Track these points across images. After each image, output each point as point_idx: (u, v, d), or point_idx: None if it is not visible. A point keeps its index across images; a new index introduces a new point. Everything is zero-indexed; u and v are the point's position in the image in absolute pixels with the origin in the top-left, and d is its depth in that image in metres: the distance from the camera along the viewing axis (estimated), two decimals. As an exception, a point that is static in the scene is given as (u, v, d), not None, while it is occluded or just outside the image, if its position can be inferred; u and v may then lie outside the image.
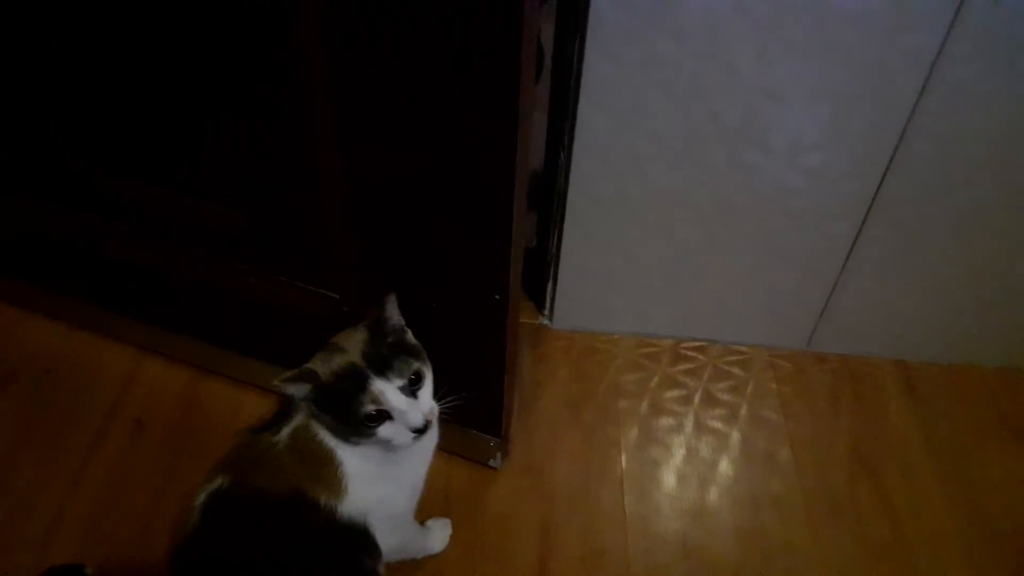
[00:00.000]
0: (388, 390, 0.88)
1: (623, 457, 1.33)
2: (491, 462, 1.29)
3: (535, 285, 1.51)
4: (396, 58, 0.84)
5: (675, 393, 1.43)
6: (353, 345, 0.90)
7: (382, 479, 0.98)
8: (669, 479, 1.31)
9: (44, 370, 1.36)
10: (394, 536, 1.03)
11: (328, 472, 0.93)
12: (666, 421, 1.39)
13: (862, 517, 1.28)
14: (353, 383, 0.88)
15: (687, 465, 1.33)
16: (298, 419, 0.94)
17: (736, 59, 1.10)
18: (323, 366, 0.89)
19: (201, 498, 0.94)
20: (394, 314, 0.95)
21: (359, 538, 0.97)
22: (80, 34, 1.00)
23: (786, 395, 1.44)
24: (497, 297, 1.04)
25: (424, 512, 1.15)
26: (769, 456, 1.35)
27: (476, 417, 1.23)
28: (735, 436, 1.38)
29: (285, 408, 0.97)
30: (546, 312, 1.53)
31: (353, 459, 0.94)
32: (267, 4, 0.85)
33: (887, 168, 1.22)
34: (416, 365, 0.90)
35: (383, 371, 0.88)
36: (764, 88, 1.12)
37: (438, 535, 1.19)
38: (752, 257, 1.35)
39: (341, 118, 0.91)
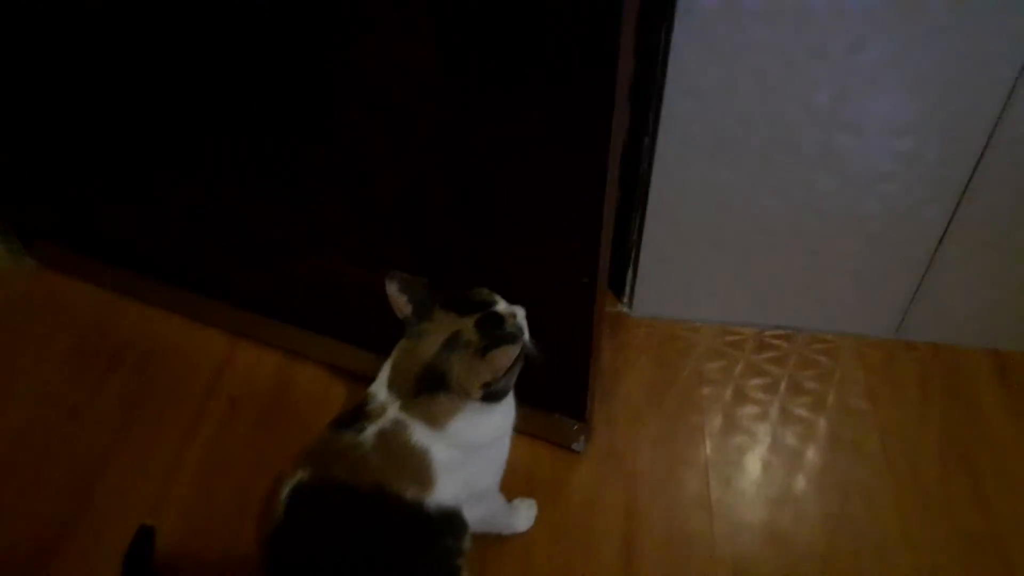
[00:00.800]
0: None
1: (707, 444, 1.32)
2: (574, 446, 1.30)
3: (614, 272, 1.52)
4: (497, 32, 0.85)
5: (760, 381, 1.41)
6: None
7: (472, 462, 1.00)
8: (755, 466, 1.30)
9: (145, 353, 1.43)
10: (480, 507, 1.05)
11: (417, 468, 0.95)
12: (751, 409, 1.38)
13: (954, 507, 1.25)
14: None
15: (773, 453, 1.32)
16: (384, 421, 0.96)
17: (828, 43, 1.08)
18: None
19: (286, 491, 0.97)
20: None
21: (445, 522, 0.99)
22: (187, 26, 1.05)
23: (874, 384, 1.41)
24: (585, 280, 1.05)
25: (509, 494, 1.17)
26: (857, 445, 1.33)
27: (559, 400, 1.25)
28: (822, 424, 1.36)
29: (362, 406, 0.98)
30: (625, 300, 1.53)
31: (444, 452, 0.96)
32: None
33: (983, 152, 1.18)
34: None
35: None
36: (856, 71, 1.11)
37: (524, 514, 1.20)
38: (841, 243, 1.33)
39: (443, 106, 0.93)
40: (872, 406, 1.38)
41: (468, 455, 0.98)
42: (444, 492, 0.97)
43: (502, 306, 0.98)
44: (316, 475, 0.96)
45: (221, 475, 1.27)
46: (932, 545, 1.20)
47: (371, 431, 0.95)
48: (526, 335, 0.98)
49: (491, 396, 0.94)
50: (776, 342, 1.47)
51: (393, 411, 0.96)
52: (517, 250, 1.07)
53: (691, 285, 1.46)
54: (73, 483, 1.24)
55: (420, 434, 0.95)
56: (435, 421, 0.95)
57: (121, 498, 1.23)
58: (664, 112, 1.20)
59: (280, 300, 1.36)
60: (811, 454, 1.32)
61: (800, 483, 1.28)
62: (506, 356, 0.92)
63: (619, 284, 1.52)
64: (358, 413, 0.98)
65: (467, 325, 0.94)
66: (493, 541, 1.17)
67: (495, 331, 0.94)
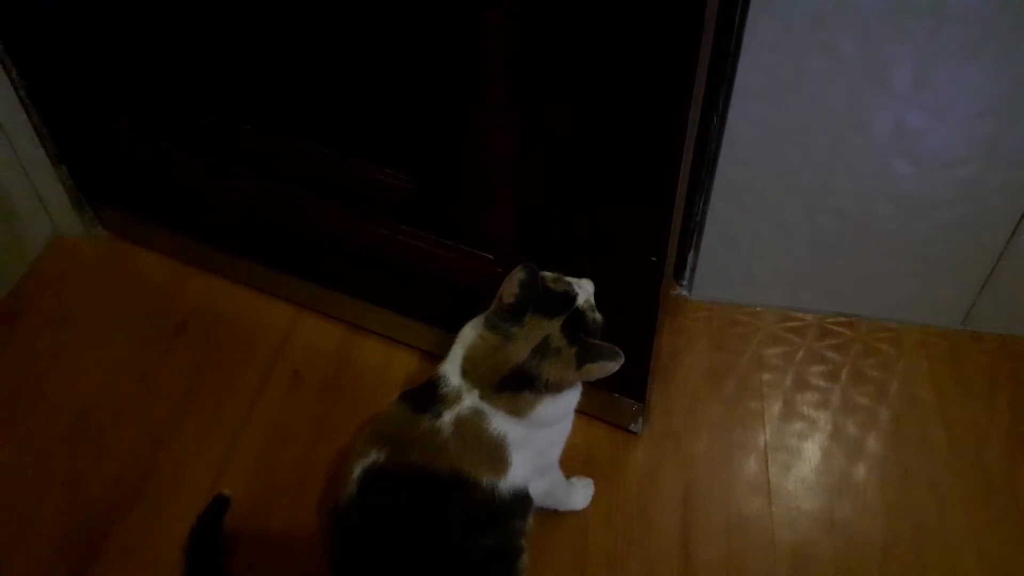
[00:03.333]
0: None
1: (767, 429, 1.31)
2: (632, 426, 1.30)
3: (675, 256, 1.50)
4: (574, 19, 0.85)
5: (821, 368, 1.39)
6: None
7: (543, 437, 1.01)
8: (814, 453, 1.29)
9: (211, 322, 1.46)
10: (543, 480, 1.06)
11: (494, 455, 0.97)
12: (811, 396, 1.36)
13: (1020, 501, 1.22)
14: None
15: (833, 441, 1.30)
16: (461, 408, 0.96)
17: (908, 21, 1.06)
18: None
19: (358, 471, 0.98)
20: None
21: (515, 503, 1.00)
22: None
23: (939, 374, 1.38)
24: (653, 259, 1.04)
25: (567, 473, 1.17)
26: (921, 435, 1.31)
27: (619, 380, 1.24)
28: (884, 414, 1.34)
29: (435, 388, 0.98)
30: (684, 282, 1.52)
31: (520, 433, 0.97)
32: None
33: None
34: None
35: None
36: (936, 49, 1.08)
37: (581, 493, 1.21)
38: (910, 230, 1.30)
39: (515, 83, 0.93)
40: (937, 397, 1.36)
41: (541, 431, 0.99)
42: (516, 473, 0.98)
43: (580, 297, 0.97)
44: (392, 458, 0.97)
45: (283, 445, 1.29)
46: (998, 539, 1.18)
47: (448, 417, 0.96)
48: (596, 314, 0.98)
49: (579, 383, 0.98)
50: (838, 329, 1.45)
51: (471, 400, 0.96)
52: (587, 225, 1.06)
53: (753, 269, 1.44)
54: (141, 448, 1.28)
55: (499, 422, 0.96)
56: (519, 412, 0.95)
57: (186, 464, 1.26)
58: (736, 90, 1.18)
59: (343, 272, 1.38)
60: (872, 443, 1.30)
61: (861, 472, 1.26)
62: (603, 371, 0.93)
63: (680, 266, 1.50)
64: (432, 396, 0.98)
65: (554, 330, 0.94)
66: (551, 521, 1.18)
67: (583, 336, 0.94)
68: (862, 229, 1.32)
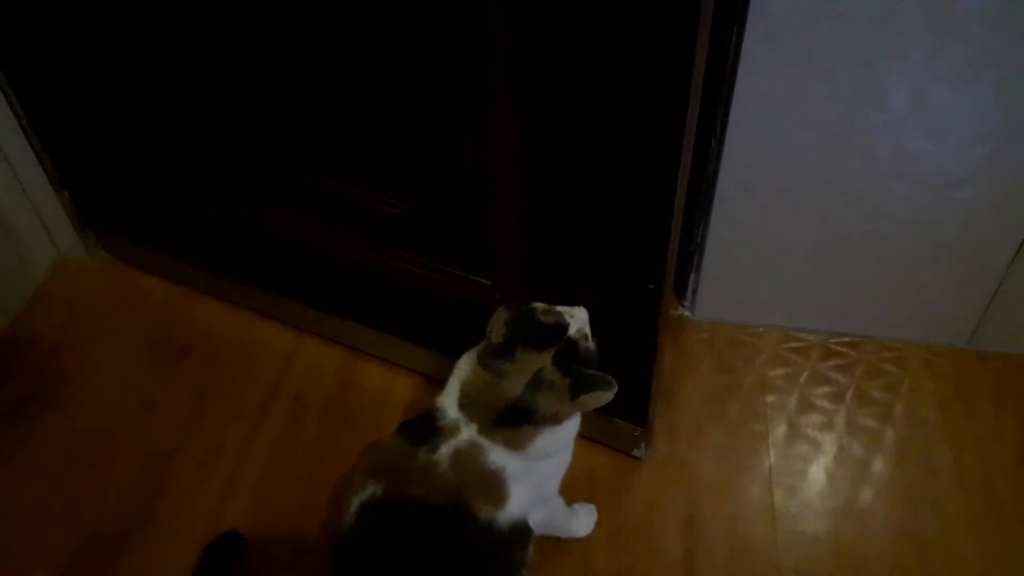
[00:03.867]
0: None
1: (771, 452, 1.30)
2: (635, 452, 1.29)
3: (676, 276, 1.50)
4: (573, 39, 0.85)
5: (825, 389, 1.39)
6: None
7: (541, 468, 1.00)
8: (819, 477, 1.28)
9: (214, 347, 1.46)
10: (543, 510, 1.06)
11: (492, 487, 0.96)
12: (816, 418, 1.35)
13: (1030, 526, 1.21)
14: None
15: (838, 464, 1.29)
16: (458, 441, 0.96)
17: (906, 42, 1.05)
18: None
19: (355, 504, 0.98)
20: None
21: (514, 535, 0.99)
22: (261, 31, 1.07)
23: (945, 394, 1.37)
24: (651, 286, 1.04)
25: (569, 499, 1.16)
26: (927, 457, 1.29)
27: (621, 405, 1.23)
28: (890, 435, 1.32)
29: (432, 420, 0.98)
30: (687, 303, 1.51)
31: (518, 466, 0.96)
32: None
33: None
34: None
35: None
36: (934, 73, 1.07)
37: (583, 519, 1.20)
38: (912, 250, 1.30)
39: (513, 105, 0.94)
40: (943, 417, 1.35)
41: (539, 463, 0.99)
42: (515, 504, 0.98)
43: (572, 327, 0.96)
44: (390, 490, 0.96)
45: (286, 469, 1.29)
46: (1007, 564, 1.17)
47: (446, 450, 0.96)
48: (590, 342, 0.97)
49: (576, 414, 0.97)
50: (842, 350, 1.44)
51: (469, 433, 0.96)
52: (585, 251, 1.06)
53: (755, 289, 1.43)
54: (145, 475, 1.28)
55: (498, 455, 0.96)
56: (518, 446, 0.95)
57: (190, 490, 1.26)
58: (732, 112, 1.18)
59: (343, 297, 1.38)
60: (878, 466, 1.29)
61: (867, 495, 1.25)
62: (597, 401, 0.92)
63: (681, 287, 1.50)
64: (430, 428, 0.98)
65: (547, 362, 0.93)
66: (553, 548, 1.17)
67: (576, 367, 0.93)
68: (864, 249, 1.31)
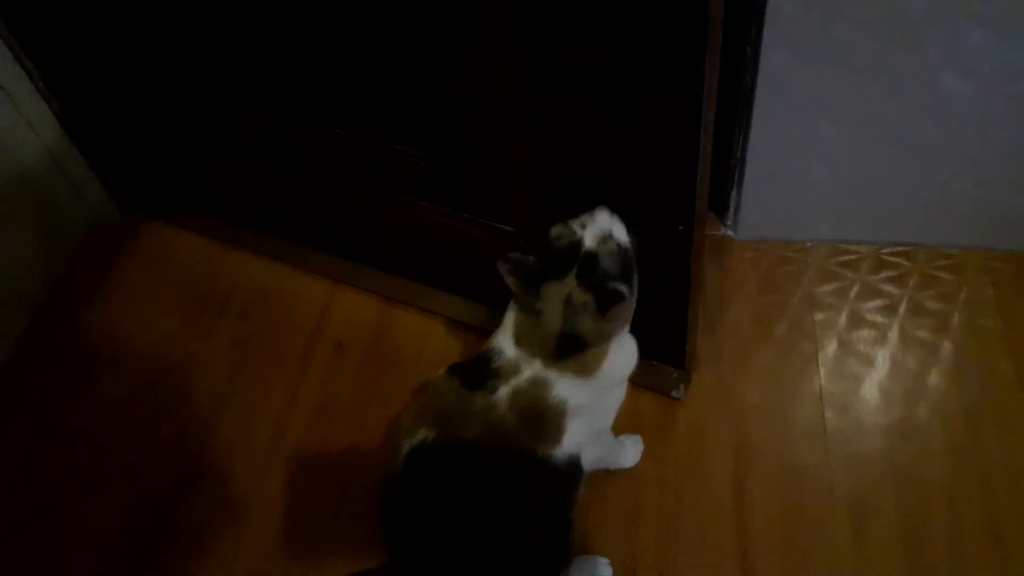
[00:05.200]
0: None
1: (821, 372, 1.26)
2: (673, 393, 1.26)
3: (716, 193, 1.44)
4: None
5: (877, 303, 1.33)
6: None
7: (602, 401, 1.00)
8: (872, 394, 1.24)
9: (251, 299, 1.46)
10: (596, 448, 1.05)
11: (552, 422, 0.95)
12: (867, 333, 1.30)
13: (1100, 433, 1.16)
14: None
15: (892, 380, 1.25)
16: (519, 380, 0.95)
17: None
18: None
19: (406, 449, 0.97)
20: None
21: (568, 472, 0.99)
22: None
23: (1005, 301, 1.31)
24: (680, 228, 0.99)
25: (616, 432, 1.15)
26: (987, 368, 1.24)
27: (659, 349, 1.20)
28: (946, 347, 1.27)
29: (488, 362, 0.97)
30: (729, 222, 1.45)
31: (582, 398, 0.95)
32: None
33: None
34: None
35: None
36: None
37: (631, 449, 1.19)
38: (966, 150, 1.21)
39: (521, 45, 0.88)
40: (1003, 325, 1.28)
41: (601, 395, 0.98)
42: (571, 440, 0.97)
43: (587, 238, 0.91)
44: (443, 435, 0.96)
45: (333, 413, 1.30)
46: (1073, 476, 1.13)
47: (504, 391, 0.95)
48: (621, 237, 0.93)
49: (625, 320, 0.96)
50: (894, 260, 1.38)
51: (532, 369, 0.95)
52: (607, 193, 1.01)
53: (800, 203, 1.37)
54: (195, 427, 1.31)
55: (563, 387, 0.94)
56: (588, 370, 0.94)
57: (240, 441, 1.29)
58: (768, 18, 1.10)
59: (373, 249, 1.37)
60: (935, 380, 1.24)
61: (923, 412, 1.21)
62: (624, 309, 0.91)
63: (722, 205, 1.44)
64: (486, 371, 0.96)
65: (572, 285, 0.90)
66: (601, 481, 1.16)
67: (598, 281, 0.90)
68: (913, 154, 1.23)
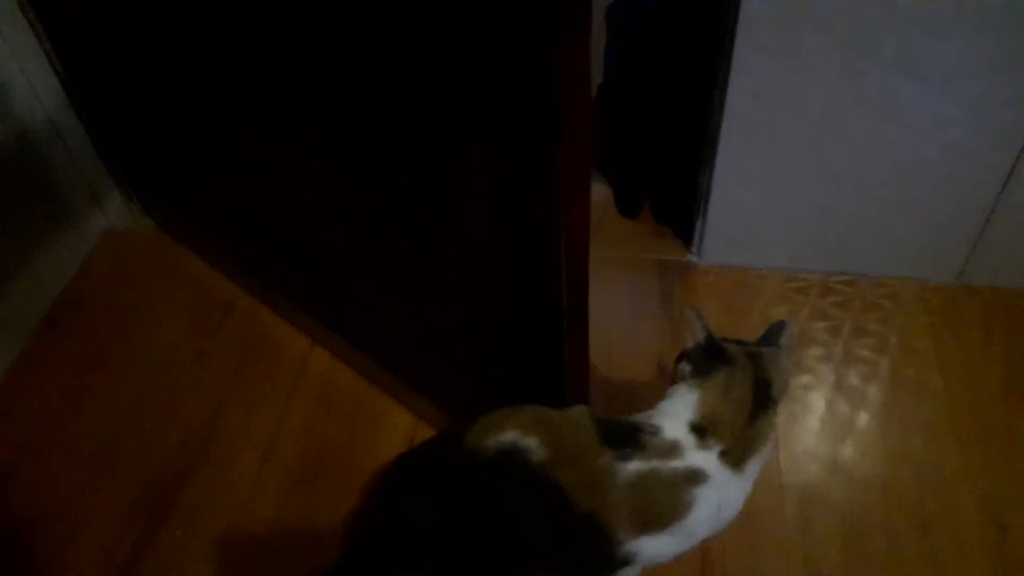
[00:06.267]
0: None
1: (774, 382, 1.41)
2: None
3: (684, 223, 1.60)
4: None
5: (824, 324, 1.49)
6: None
7: (694, 534, 0.92)
8: (819, 404, 1.38)
9: (254, 304, 1.57)
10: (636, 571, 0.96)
11: (651, 519, 0.88)
12: (816, 350, 1.45)
13: (1016, 442, 1.31)
14: None
15: (837, 391, 1.40)
16: (664, 465, 0.89)
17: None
18: None
19: (497, 441, 0.89)
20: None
21: (613, 564, 0.91)
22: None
23: (937, 326, 1.47)
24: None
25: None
26: (919, 383, 1.40)
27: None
28: (884, 364, 1.43)
29: (637, 432, 0.91)
30: (694, 249, 1.61)
31: (710, 509, 0.90)
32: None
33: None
34: None
35: None
36: (920, 19, 1.16)
37: None
38: (905, 190, 1.39)
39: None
40: (934, 346, 1.45)
41: (713, 526, 0.93)
42: (655, 546, 0.90)
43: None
44: (544, 461, 0.87)
45: (330, 408, 1.41)
46: (993, 478, 1.27)
47: (637, 467, 0.88)
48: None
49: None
50: (840, 287, 1.54)
51: (698, 458, 0.90)
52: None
53: (758, 233, 1.53)
54: (201, 417, 1.40)
55: (701, 489, 0.89)
56: (765, 439, 0.94)
57: (243, 430, 1.38)
58: (734, 65, 1.27)
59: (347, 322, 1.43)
60: (874, 392, 1.39)
61: (863, 419, 1.36)
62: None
63: (688, 234, 1.60)
64: (630, 438, 0.90)
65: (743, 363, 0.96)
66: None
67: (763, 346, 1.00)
68: (858, 192, 1.41)
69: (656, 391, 1.01)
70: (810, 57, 1.22)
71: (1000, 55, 1.18)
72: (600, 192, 1.73)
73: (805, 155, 1.36)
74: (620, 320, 1.53)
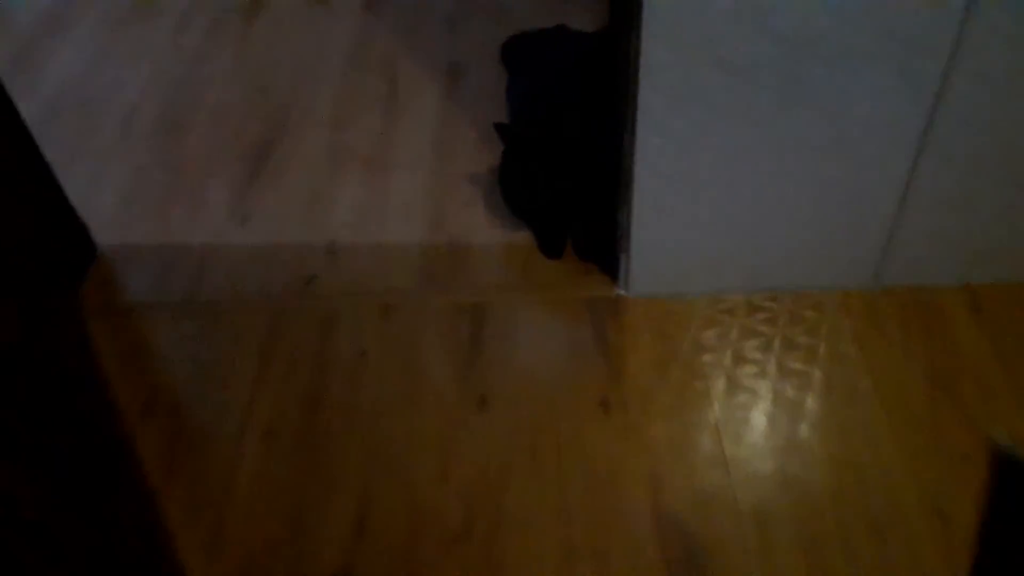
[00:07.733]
0: None
1: (715, 406, 1.44)
2: (595, 425, 1.40)
3: (610, 260, 1.63)
4: None
5: (755, 342, 1.53)
6: None
7: None
8: (760, 421, 1.42)
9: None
10: None
11: None
12: (750, 369, 1.49)
13: (944, 432, 1.37)
14: None
15: (776, 406, 1.44)
16: None
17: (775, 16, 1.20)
18: None
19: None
20: None
21: None
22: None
23: (860, 330, 1.54)
24: None
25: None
26: (851, 388, 1.45)
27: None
28: (816, 373, 1.48)
29: None
30: (621, 283, 1.64)
31: None
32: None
33: (936, 103, 1.30)
34: None
35: None
36: (810, 54, 1.22)
37: None
38: (813, 206, 1.45)
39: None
40: (860, 351, 1.51)
41: None
42: None
43: None
44: None
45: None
46: (931, 469, 1.33)
47: None
48: None
49: None
50: (766, 304, 1.59)
51: None
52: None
53: (682, 263, 1.57)
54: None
55: None
56: None
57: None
58: (640, 109, 1.30)
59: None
60: (810, 402, 1.44)
61: (804, 430, 1.40)
62: None
63: (615, 270, 1.63)
64: None
65: None
66: (531, 516, 1.28)
67: None
68: (768, 211, 1.46)
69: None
70: (714, 96, 1.27)
71: (887, 79, 1.25)
72: (522, 237, 1.75)
73: (718, 186, 1.41)
74: (555, 360, 1.54)
